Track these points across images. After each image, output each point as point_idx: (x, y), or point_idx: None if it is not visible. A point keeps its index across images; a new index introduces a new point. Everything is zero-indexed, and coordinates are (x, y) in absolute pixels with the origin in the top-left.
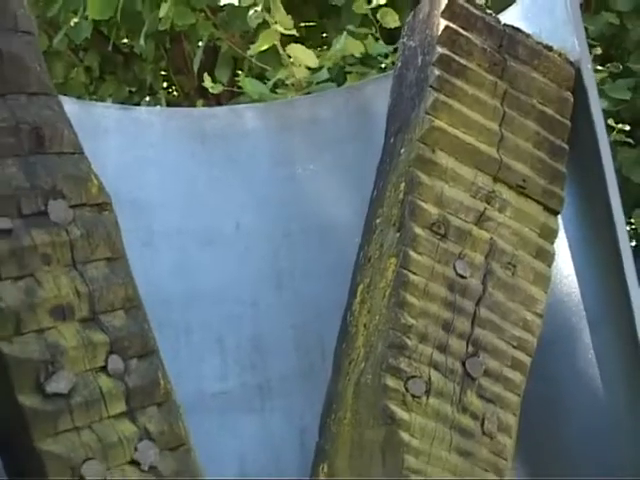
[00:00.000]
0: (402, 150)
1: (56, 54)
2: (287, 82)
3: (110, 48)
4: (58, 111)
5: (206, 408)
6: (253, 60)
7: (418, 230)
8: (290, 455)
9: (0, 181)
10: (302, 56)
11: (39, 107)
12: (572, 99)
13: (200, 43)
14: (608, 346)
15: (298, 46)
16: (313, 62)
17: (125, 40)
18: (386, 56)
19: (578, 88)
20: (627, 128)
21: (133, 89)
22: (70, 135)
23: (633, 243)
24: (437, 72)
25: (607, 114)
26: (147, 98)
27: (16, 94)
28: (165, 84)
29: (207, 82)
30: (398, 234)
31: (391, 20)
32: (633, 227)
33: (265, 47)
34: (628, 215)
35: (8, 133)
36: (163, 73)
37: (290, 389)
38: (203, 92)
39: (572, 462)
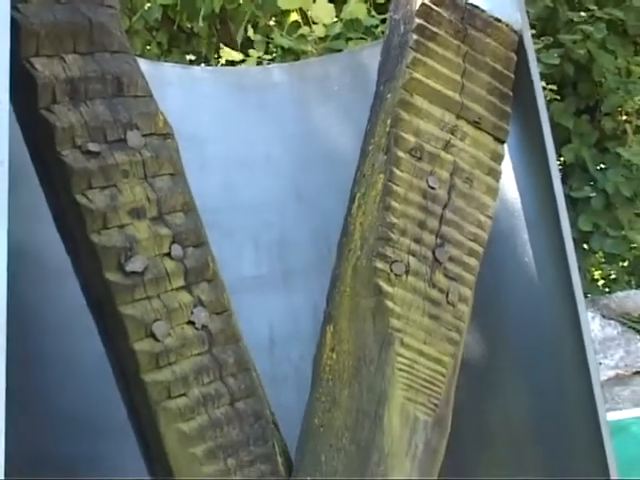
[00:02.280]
0: (389, 95)
1: (135, 32)
2: (309, 38)
3: (175, 28)
4: (134, 65)
5: (245, 288)
6: (282, 33)
7: (400, 154)
8: (306, 321)
9: (92, 116)
10: (323, 11)
11: (120, 62)
12: (516, 58)
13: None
14: (540, 240)
15: (320, 2)
16: (331, 16)
17: (187, 22)
18: (376, 26)
19: (520, 50)
20: (555, 88)
21: (192, 58)
22: (143, 83)
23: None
24: (415, 37)
25: (541, 76)
26: (202, 65)
27: (102, 52)
28: (216, 55)
29: (225, 51)
30: (385, 157)
31: None
32: (561, 158)
33: (295, 5)
34: (558, 151)
35: (97, 81)
36: (214, 47)
37: (306, 274)
38: (243, 60)
39: (513, 323)
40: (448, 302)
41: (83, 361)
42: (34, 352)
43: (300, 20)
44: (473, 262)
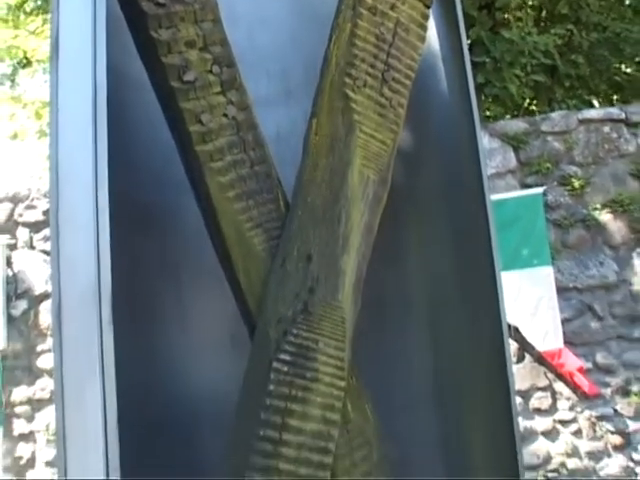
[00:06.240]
0: None
1: None
2: None
3: None
4: None
5: (260, 102)
6: None
7: (362, 10)
8: (300, 122)
9: None
10: None
11: None
12: None
13: None
14: (453, 76)
15: None
16: None
17: None
18: None
19: None
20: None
21: None
22: None
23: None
24: None
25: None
26: None
27: None
28: None
29: None
30: (352, 12)
31: None
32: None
33: None
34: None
35: None
36: None
37: (300, 92)
38: None
39: (432, 130)
40: (391, 106)
41: (161, 144)
42: (130, 141)
43: None
44: (408, 82)
